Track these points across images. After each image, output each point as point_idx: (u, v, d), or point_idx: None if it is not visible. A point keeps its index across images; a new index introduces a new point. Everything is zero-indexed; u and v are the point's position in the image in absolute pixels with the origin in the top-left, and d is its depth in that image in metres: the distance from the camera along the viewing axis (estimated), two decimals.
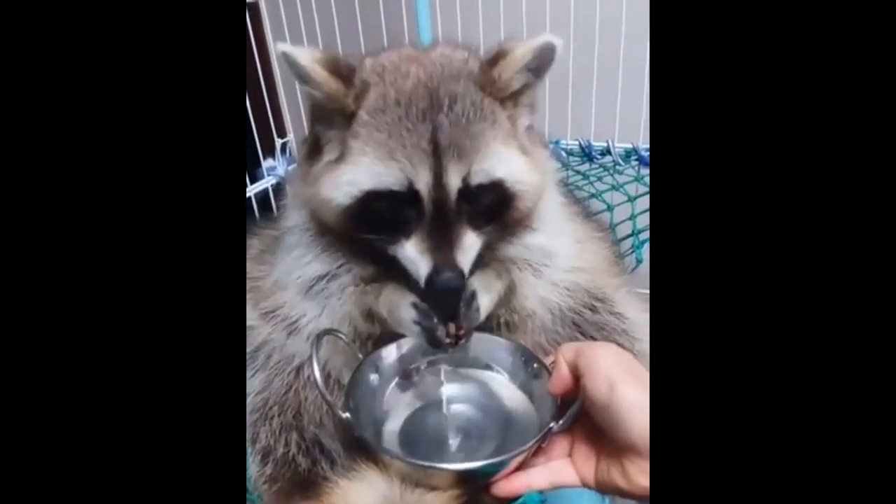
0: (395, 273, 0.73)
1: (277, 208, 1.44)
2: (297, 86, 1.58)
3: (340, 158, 0.70)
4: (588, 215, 1.15)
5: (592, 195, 1.46)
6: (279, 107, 1.68)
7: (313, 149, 0.76)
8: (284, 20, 1.47)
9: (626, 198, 1.45)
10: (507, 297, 0.79)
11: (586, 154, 1.66)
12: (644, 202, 1.42)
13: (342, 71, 0.69)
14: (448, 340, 0.70)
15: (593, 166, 1.62)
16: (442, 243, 0.67)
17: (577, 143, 1.67)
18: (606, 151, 1.64)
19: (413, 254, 0.68)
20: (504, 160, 0.70)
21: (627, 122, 1.60)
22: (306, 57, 0.67)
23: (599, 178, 1.55)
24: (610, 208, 1.42)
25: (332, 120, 0.71)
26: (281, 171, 1.42)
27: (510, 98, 0.72)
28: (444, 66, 0.71)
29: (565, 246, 0.84)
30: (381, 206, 0.68)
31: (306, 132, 1.53)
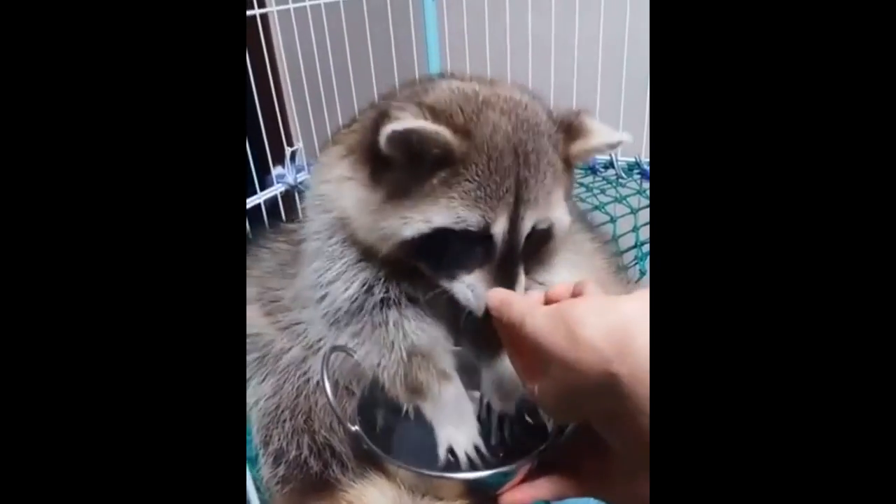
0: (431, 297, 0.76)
1: (286, 215, 1.47)
2: (308, 95, 1.60)
3: (418, 197, 0.69)
4: (591, 227, 1.17)
5: (596, 207, 1.49)
6: (287, 116, 1.71)
7: (376, 167, 0.72)
8: (296, 31, 1.50)
9: (628, 210, 1.47)
10: None
11: (590, 167, 1.68)
12: (646, 214, 1.45)
13: (456, 125, 0.68)
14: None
15: (597, 179, 1.65)
16: (505, 280, 0.69)
17: None
18: (610, 164, 1.67)
19: (476, 286, 0.69)
20: (562, 211, 0.74)
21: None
22: (430, 126, 0.65)
23: (603, 191, 1.58)
24: (613, 220, 1.45)
25: (423, 160, 0.69)
26: (290, 178, 1.45)
27: (572, 166, 0.78)
28: (527, 120, 0.72)
29: (571, 271, 0.86)
30: (448, 242, 0.69)
31: (315, 140, 1.57)
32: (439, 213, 0.68)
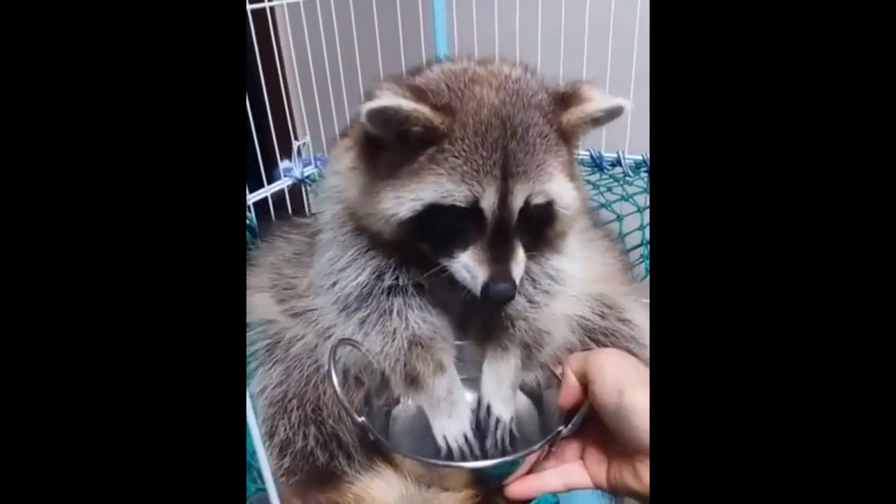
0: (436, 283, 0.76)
1: (292, 209, 1.47)
2: (315, 89, 1.59)
3: (408, 175, 0.70)
4: (598, 224, 1.17)
5: (602, 205, 1.48)
6: (294, 110, 1.71)
7: (373, 152, 0.75)
8: (305, 24, 1.50)
9: (635, 208, 1.47)
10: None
11: (597, 164, 1.67)
12: None
13: (437, 103, 0.69)
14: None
15: (603, 177, 1.64)
16: (499, 256, 0.70)
17: (588, 153, 1.69)
18: (617, 162, 1.66)
19: (470, 264, 0.70)
20: (560, 185, 0.73)
21: (638, 133, 1.62)
22: (407, 103, 0.67)
23: (609, 189, 1.57)
24: (619, 218, 1.44)
25: (409, 139, 0.70)
26: (297, 172, 1.45)
27: (571, 137, 0.77)
28: (516, 93, 0.72)
29: (580, 265, 0.87)
30: (441, 219, 0.70)
31: (322, 135, 1.57)
32: (427, 188, 0.69)
